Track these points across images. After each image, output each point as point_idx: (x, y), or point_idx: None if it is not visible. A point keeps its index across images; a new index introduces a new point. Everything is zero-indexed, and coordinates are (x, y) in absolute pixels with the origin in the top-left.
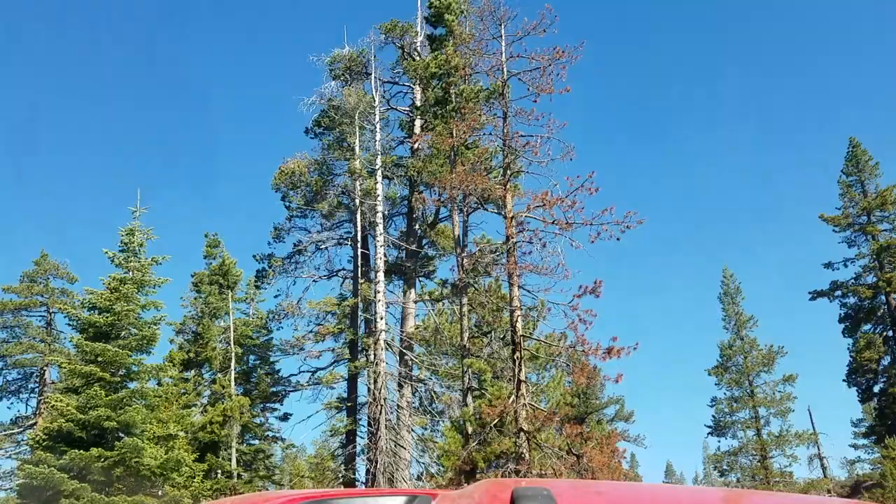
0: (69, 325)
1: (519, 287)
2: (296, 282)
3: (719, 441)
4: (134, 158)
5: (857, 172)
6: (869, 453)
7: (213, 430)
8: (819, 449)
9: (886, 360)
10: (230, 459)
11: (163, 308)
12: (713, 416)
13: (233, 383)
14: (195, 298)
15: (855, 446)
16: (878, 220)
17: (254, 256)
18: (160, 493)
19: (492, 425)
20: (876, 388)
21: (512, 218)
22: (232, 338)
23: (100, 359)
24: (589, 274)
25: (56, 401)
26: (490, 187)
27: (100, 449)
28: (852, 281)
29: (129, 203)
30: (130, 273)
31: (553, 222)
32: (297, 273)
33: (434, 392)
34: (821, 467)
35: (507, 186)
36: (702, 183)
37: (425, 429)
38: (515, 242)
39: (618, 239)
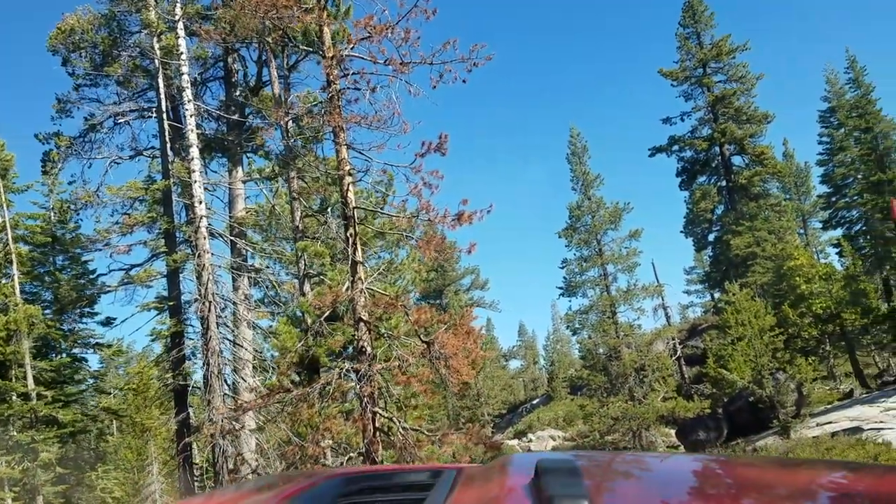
0: None
1: (347, 147)
2: (92, 164)
3: (570, 301)
4: None
5: (693, 24)
6: (700, 297)
7: None
8: (663, 300)
9: (720, 210)
10: (25, 379)
11: None
12: (564, 278)
13: (17, 290)
14: None
15: (688, 292)
16: (714, 71)
17: (36, 136)
18: None
19: (321, 319)
20: (711, 237)
21: (332, 57)
22: (10, 236)
23: None
24: (432, 126)
25: None
26: (300, 16)
27: None
28: (689, 134)
29: None
30: None
31: (386, 62)
32: (93, 154)
33: (274, 282)
34: (665, 316)
35: (325, 17)
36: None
37: (273, 321)
38: (339, 90)
39: (464, 81)
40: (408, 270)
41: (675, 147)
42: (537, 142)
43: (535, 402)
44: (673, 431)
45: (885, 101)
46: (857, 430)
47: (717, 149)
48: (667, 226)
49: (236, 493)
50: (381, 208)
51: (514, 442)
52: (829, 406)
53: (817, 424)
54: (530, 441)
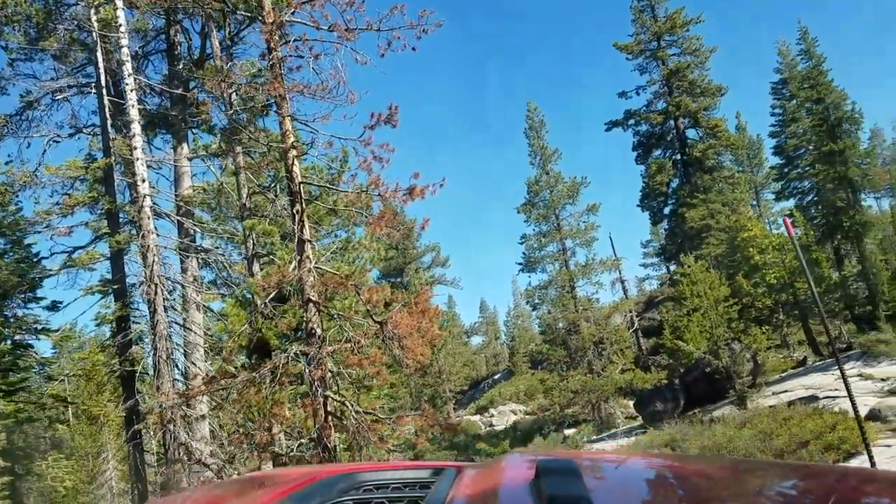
0: None
1: (291, 118)
2: (30, 144)
3: (530, 276)
4: None
5: None
6: (657, 270)
7: None
8: (620, 273)
9: (675, 183)
10: None
11: None
12: (524, 253)
13: None
14: None
15: (645, 265)
16: (668, 44)
17: None
18: None
19: (265, 301)
20: (666, 210)
21: (273, 23)
22: None
23: None
24: (381, 96)
25: None
26: None
27: None
28: (644, 108)
29: None
30: None
31: (330, 28)
32: (31, 132)
33: (225, 262)
34: (622, 290)
35: None
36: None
37: (224, 302)
38: (281, 57)
39: (413, 49)
40: (365, 249)
41: (631, 121)
42: (496, 116)
43: (496, 377)
44: (631, 403)
45: (837, 72)
46: (813, 398)
47: (672, 122)
48: (624, 200)
49: (235, 487)
50: (336, 184)
51: (476, 417)
52: (783, 374)
53: (773, 393)
54: (492, 416)
